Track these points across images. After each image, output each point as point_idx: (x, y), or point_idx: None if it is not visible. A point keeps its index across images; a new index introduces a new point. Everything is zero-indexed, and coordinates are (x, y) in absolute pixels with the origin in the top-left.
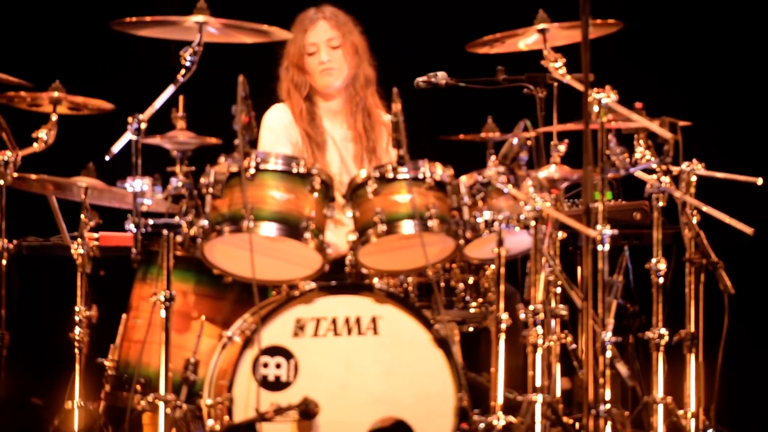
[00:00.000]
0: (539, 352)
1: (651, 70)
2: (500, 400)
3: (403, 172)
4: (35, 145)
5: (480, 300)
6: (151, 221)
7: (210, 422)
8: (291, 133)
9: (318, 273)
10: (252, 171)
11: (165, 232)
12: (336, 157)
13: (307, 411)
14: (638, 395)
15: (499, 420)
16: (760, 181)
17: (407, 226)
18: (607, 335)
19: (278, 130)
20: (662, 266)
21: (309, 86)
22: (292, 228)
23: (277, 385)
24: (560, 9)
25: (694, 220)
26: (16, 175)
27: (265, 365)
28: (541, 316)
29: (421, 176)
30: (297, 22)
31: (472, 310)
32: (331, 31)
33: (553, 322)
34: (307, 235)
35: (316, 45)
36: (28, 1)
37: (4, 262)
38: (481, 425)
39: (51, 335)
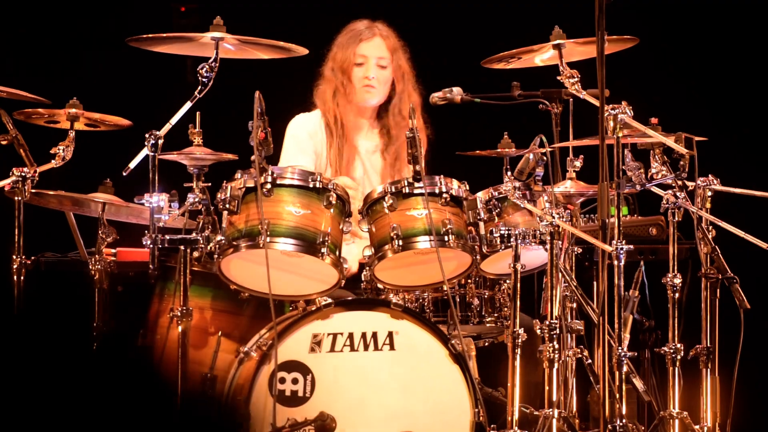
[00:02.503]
0: (555, 366)
1: (666, 86)
2: (516, 415)
3: (420, 188)
4: (53, 161)
5: (496, 315)
6: (168, 237)
7: None
8: (315, 142)
9: (334, 288)
10: (268, 186)
11: (182, 247)
12: (360, 168)
13: (323, 426)
14: (654, 410)
15: None
16: None
17: (423, 242)
18: (623, 350)
19: (302, 138)
20: (678, 281)
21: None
22: (308, 243)
23: (294, 401)
24: (576, 25)
25: (710, 236)
26: (33, 191)
27: (282, 380)
28: (557, 331)
29: (437, 191)
30: (349, 29)
31: (488, 325)
32: (384, 51)
33: (569, 337)
34: (324, 250)
35: (365, 58)
36: (45, 18)
37: (22, 278)
38: None
39: (68, 351)
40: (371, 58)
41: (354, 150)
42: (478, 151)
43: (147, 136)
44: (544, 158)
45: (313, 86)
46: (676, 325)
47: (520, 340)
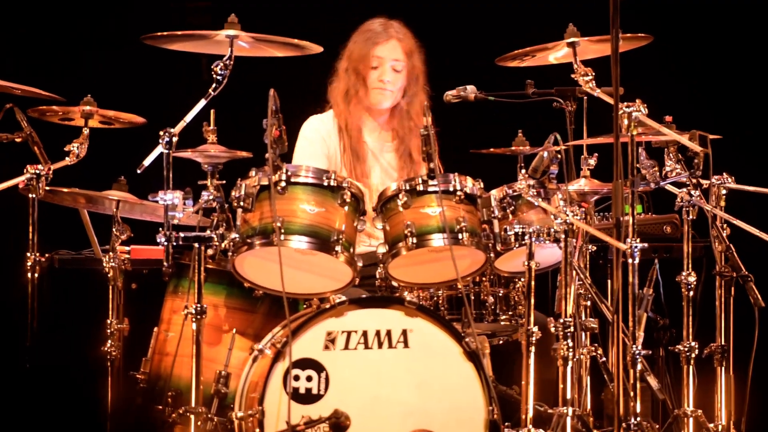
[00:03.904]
0: (569, 365)
1: (681, 84)
2: (531, 413)
3: (434, 185)
4: (67, 158)
5: (510, 313)
6: (182, 234)
7: None
8: (329, 145)
9: (348, 286)
10: (282, 184)
11: (196, 245)
12: (377, 167)
13: (338, 424)
14: (669, 408)
15: None
16: None
17: (437, 240)
18: (638, 348)
19: (315, 140)
20: (692, 279)
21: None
22: (322, 241)
23: (308, 398)
24: (590, 23)
25: (725, 234)
26: (48, 188)
27: (296, 378)
28: (572, 329)
29: (451, 189)
30: (365, 29)
31: (502, 323)
32: (400, 54)
33: (583, 335)
34: (338, 248)
35: (381, 60)
36: (59, 15)
37: (36, 275)
38: None
39: (83, 348)
40: (387, 61)
41: (369, 151)
42: (492, 149)
43: (161, 133)
44: (559, 156)
45: (327, 82)
46: (690, 323)
47: (534, 338)
